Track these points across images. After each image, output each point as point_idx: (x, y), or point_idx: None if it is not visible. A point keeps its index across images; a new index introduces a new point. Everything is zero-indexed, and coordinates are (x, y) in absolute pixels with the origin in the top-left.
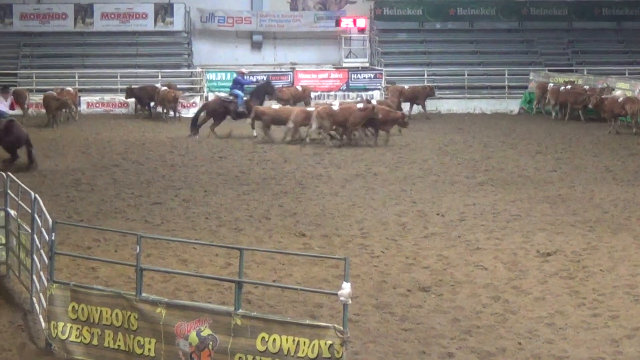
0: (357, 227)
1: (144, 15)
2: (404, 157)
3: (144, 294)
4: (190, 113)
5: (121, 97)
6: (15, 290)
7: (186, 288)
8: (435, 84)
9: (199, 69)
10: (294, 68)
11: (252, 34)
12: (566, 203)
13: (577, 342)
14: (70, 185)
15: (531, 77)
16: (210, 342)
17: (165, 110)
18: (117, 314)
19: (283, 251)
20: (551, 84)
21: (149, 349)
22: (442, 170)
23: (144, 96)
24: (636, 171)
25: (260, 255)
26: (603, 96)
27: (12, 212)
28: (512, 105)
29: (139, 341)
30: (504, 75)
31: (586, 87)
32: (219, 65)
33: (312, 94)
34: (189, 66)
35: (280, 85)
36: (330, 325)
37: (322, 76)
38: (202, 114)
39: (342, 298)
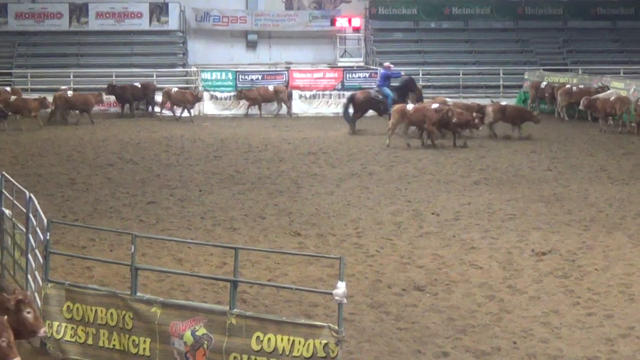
0: (352, 226)
1: (139, 15)
2: (398, 156)
3: (139, 294)
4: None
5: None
6: (10, 289)
7: (181, 287)
8: (430, 83)
9: (194, 68)
10: (289, 67)
11: (247, 33)
12: (561, 202)
13: (572, 341)
14: (65, 185)
15: (526, 77)
16: (205, 342)
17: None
18: (112, 314)
19: (278, 250)
20: (544, 83)
21: (144, 349)
22: (437, 170)
23: (124, 94)
24: (631, 170)
25: (255, 254)
26: (592, 97)
27: (7, 212)
28: None
29: (134, 340)
30: (499, 74)
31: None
32: (214, 65)
33: (308, 93)
34: (184, 65)
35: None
36: (325, 324)
37: (317, 75)
38: (350, 109)
39: (337, 297)
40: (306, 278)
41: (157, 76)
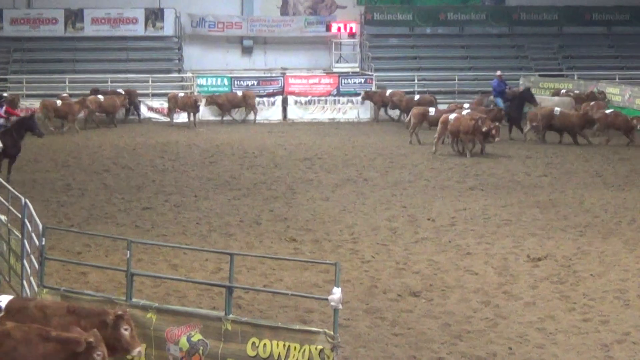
0: (347, 232)
1: (134, 20)
2: (394, 162)
3: (134, 299)
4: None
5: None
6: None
7: (177, 293)
8: (425, 89)
9: (189, 74)
10: (284, 73)
11: (243, 38)
12: (557, 208)
13: (567, 347)
14: (60, 190)
15: (521, 82)
16: (201, 347)
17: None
18: None
19: (274, 256)
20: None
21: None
22: (433, 175)
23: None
24: (626, 176)
25: (250, 260)
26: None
27: (2, 217)
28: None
29: None
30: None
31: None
32: (209, 70)
33: (303, 99)
34: (179, 71)
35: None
36: (320, 330)
37: (313, 81)
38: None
39: (332, 303)
40: (302, 284)
41: (152, 82)
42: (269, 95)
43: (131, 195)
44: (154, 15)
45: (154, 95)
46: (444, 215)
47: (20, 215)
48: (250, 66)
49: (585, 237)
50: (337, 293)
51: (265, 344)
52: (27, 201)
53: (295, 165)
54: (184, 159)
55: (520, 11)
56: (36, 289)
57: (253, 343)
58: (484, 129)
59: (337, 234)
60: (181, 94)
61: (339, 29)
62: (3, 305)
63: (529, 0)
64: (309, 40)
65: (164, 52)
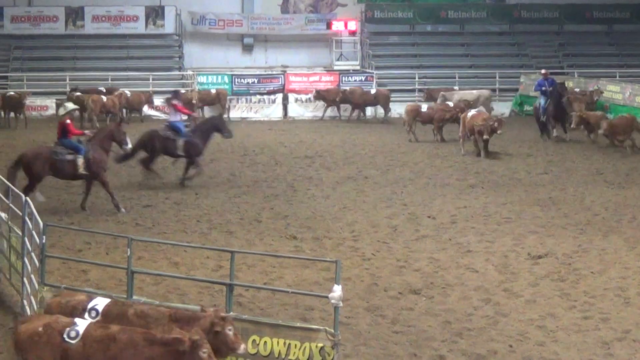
0: (348, 229)
1: (134, 18)
2: (395, 160)
3: (135, 297)
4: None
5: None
6: (6, 293)
7: (177, 291)
8: (426, 87)
9: (190, 72)
10: (285, 71)
11: (243, 36)
12: (557, 206)
13: (568, 345)
14: (61, 188)
15: (522, 80)
16: None
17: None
18: None
19: (274, 254)
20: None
21: None
22: (433, 173)
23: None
24: (627, 174)
25: (251, 258)
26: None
27: (3, 215)
28: (503, 108)
29: None
30: (495, 77)
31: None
32: (210, 68)
33: (304, 97)
34: (180, 69)
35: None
36: (321, 328)
37: (314, 79)
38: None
39: (333, 301)
40: (302, 281)
41: (153, 79)
42: (269, 92)
43: (132, 192)
44: (155, 13)
45: (154, 93)
46: (445, 213)
47: (20, 213)
48: (251, 64)
49: (585, 234)
50: (337, 291)
51: (265, 342)
52: (28, 199)
53: (296, 163)
54: None
55: (521, 9)
56: (37, 286)
57: (254, 341)
58: (499, 132)
59: (338, 232)
60: (197, 89)
61: (339, 26)
62: (100, 309)
63: None
64: (309, 38)
65: (165, 50)
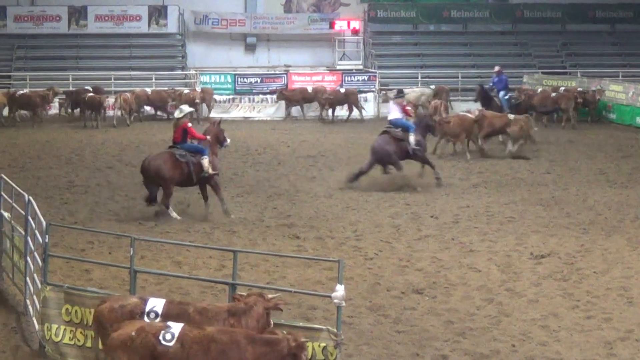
0: (350, 229)
1: (137, 18)
2: None
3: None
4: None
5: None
6: (9, 292)
7: (180, 290)
8: (429, 87)
9: (192, 71)
10: (287, 70)
11: (246, 36)
12: (560, 205)
13: (570, 345)
14: (64, 187)
15: (524, 80)
16: None
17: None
18: None
19: (277, 253)
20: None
21: None
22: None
23: (76, 100)
24: (630, 173)
25: (254, 257)
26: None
27: (6, 214)
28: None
29: None
30: None
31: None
32: (212, 68)
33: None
34: (182, 68)
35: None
36: (324, 327)
37: (316, 78)
38: None
39: (335, 300)
40: (305, 281)
41: (155, 79)
42: (272, 92)
43: (134, 192)
44: (158, 13)
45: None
46: (447, 213)
47: (23, 212)
48: (253, 63)
49: (588, 234)
50: (340, 290)
51: None
52: (31, 198)
53: (299, 163)
54: None
55: (524, 8)
56: (39, 285)
57: None
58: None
59: (341, 232)
60: (186, 90)
61: (342, 26)
62: (159, 310)
63: None
64: (312, 37)
65: (168, 50)
